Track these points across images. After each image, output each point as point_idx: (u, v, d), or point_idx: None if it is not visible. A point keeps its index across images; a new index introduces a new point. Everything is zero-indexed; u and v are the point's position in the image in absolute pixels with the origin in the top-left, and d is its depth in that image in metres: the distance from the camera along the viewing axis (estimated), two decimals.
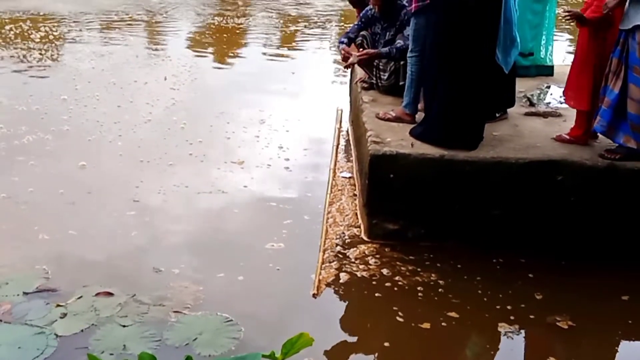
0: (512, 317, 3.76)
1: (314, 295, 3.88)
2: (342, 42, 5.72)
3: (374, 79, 5.66)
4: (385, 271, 4.13)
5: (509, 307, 3.84)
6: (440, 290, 3.98)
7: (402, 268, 4.18)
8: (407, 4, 5.40)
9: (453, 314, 3.78)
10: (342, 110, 6.90)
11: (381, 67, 5.54)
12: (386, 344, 3.55)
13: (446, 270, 4.18)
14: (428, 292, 3.97)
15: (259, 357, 1.43)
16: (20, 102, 7.07)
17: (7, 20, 11.36)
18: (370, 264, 4.20)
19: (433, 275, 4.11)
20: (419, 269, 4.17)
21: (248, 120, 6.78)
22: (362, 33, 5.66)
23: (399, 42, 5.32)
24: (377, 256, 4.29)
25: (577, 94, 4.53)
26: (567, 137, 4.60)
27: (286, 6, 14.02)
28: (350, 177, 5.44)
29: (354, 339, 3.65)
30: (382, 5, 5.48)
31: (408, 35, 5.04)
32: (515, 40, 4.62)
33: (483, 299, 3.93)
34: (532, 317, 3.79)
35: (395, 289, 3.99)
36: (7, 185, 5.12)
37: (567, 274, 4.23)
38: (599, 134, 4.49)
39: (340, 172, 5.53)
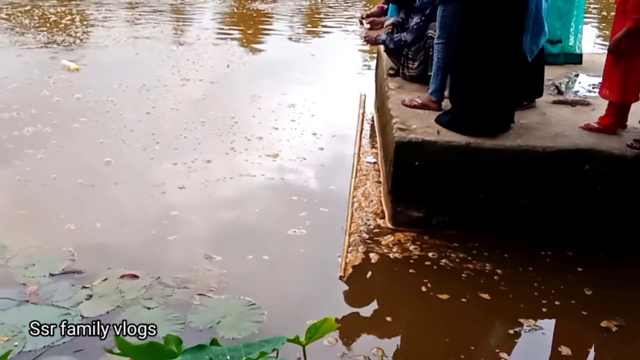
0: (544, 310, 3.65)
1: (341, 278, 3.87)
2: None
3: (401, 67, 5.61)
4: (431, 254, 4.13)
5: (557, 303, 3.73)
6: (495, 277, 3.94)
7: (452, 254, 4.14)
8: None
9: (485, 296, 3.74)
10: (365, 95, 6.87)
11: (410, 56, 5.48)
12: (389, 319, 3.58)
13: (497, 259, 4.11)
14: (476, 276, 3.94)
15: (284, 341, 1.43)
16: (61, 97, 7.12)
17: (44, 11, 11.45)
18: (410, 250, 4.19)
19: (488, 264, 4.05)
20: (469, 257, 4.12)
21: (277, 106, 6.80)
22: (392, 21, 5.59)
23: (403, 35, 5.31)
24: (418, 242, 4.26)
25: (609, 84, 4.45)
26: (596, 125, 4.53)
27: None
28: (374, 163, 5.43)
29: (379, 313, 3.67)
30: None
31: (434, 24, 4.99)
32: (544, 28, 4.57)
33: (534, 293, 3.82)
34: (584, 313, 3.67)
35: (435, 267, 4.01)
36: (35, 172, 5.18)
37: (613, 268, 4.13)
38: (627, 123, 4.44)
39: (365, 157, 5.51)
